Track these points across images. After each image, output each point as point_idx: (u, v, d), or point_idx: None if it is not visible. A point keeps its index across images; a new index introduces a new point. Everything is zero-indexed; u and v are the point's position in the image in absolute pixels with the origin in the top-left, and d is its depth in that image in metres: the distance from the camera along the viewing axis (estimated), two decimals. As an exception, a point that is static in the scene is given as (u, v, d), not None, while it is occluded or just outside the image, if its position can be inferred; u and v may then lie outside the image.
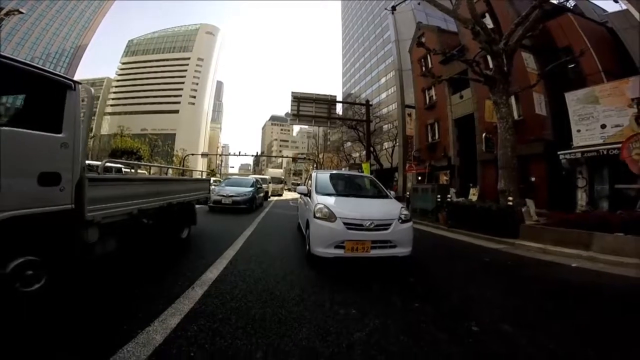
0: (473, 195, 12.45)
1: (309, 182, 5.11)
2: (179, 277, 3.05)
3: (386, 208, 3.97)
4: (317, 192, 4.33)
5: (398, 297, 2.81)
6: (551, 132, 10.70)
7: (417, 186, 11.64)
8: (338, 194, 4.44)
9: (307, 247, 3.94)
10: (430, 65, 19.35)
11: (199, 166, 66.65)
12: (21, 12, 17.17)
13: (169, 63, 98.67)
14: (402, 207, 4.01)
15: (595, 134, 9.35)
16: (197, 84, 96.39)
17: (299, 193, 5.31)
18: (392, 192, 4.95)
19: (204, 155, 62.70)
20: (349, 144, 35.50)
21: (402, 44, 31.73)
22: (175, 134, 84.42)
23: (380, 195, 4.71)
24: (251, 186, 11.34)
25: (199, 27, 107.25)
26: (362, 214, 3.66)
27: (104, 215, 2.60)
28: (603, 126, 9.32)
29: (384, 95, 45.27)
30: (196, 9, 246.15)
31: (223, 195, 9.75)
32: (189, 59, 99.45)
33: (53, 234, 2.14)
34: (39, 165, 2.03)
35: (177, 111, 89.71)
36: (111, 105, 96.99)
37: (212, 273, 3.27)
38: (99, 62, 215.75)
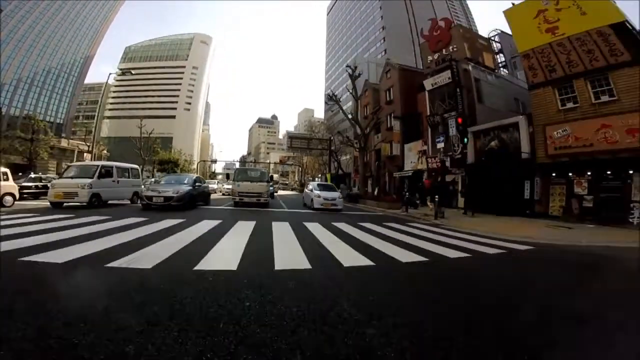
0: (375, 191, 26.54)
1: (311, 184, 17.94)
2: (274, 205, 16.80)
3: (336, 193, 16.68)
4: (315, 188, 16.79)
5: (332, 215, 16.56)
6: (402, 164, 24.81)
7: (342, 185, 25.76)
8: (322, 189, 17.16)
9: (312, 205, 14.51)
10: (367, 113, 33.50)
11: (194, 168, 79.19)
12: (131, 72, 29.43)
13: (166, 70, 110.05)
14: (339, 194, 17.10)
15: (409, 166, 23.56)
16: (192, 90, 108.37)
17: (306, 189, 18.67)
18: (340, 189, 18.80)
19: (205, 161, 74.97)
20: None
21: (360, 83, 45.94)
22: (172, 138, 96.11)
23: (335, 190, 18.03)
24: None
25: (193, 37, 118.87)
26: (328, 195, 14.67)
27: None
28: (411, 162, 23.55)
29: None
30: (187, 10, 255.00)
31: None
32: (184, 67, 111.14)
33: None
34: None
35: (173, 116, 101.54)
36: (110, 110, 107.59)
37: (283, 207, 16.92)
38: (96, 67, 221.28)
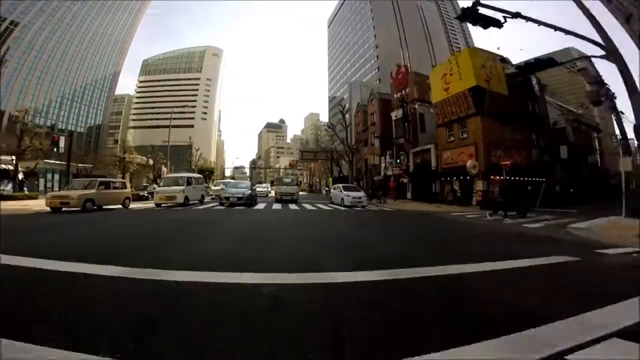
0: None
1: (338, 186, 27.60)
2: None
3: (361, 193, 20.02)
4: (342, 190, 20.35)
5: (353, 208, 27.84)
6: (380, 170, 35.85)
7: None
8: (349, 190, 20.07)
9: (343, 203, 18.67)
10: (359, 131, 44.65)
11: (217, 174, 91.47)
12: (188, 105, 41.10)
13: (182, 82, 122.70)
14: (364, 195, 20.51)
15: (383, 172, 34.69)
16: (207, 101, 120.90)
17: (333, 190, 28.80)
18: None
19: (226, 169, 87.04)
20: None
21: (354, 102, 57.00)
22: (191, 146, 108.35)
23: (359, 190, 27.94)
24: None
25: (205, 50, 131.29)
26: (355, 195, 19.09)
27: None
28: (380, 168, 34.70)
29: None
30: (196, 23, 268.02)
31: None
32: (199, 79, 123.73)
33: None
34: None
35: (192, 125, 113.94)
36: (133, 120, 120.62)
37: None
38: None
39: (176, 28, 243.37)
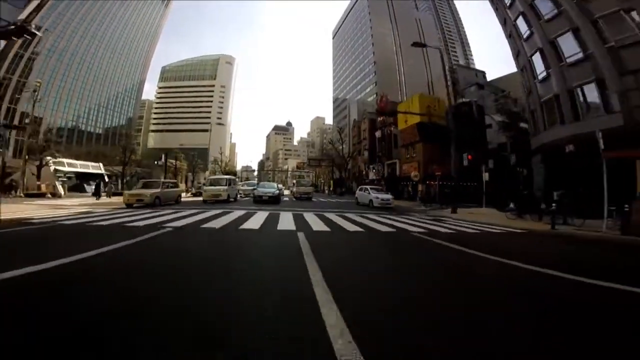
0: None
1: (366, 188, 24.29)
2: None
3: (389, 195, 21.24)
4: (370, 192, 22.05)
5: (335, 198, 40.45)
6: (367, 175, 48.32)
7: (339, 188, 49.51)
8: (377, 192, 21.86)
9: (371, 204, 20.64)
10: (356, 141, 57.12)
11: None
12: (223, 125, 54.12)
13: (198, 89, 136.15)
14: (391, 196, 21.92)
15: (371, 176, 47.21)
16: (221, 107, 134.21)
17: (359, 192, 25.51)
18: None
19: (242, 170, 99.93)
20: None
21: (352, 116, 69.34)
22: (207, 149, 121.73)
23: (387, 193, 23.58)
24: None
25: (219, 58, 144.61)
26: (384, 197, 20.62)
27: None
28: (368, 174, 47.24)
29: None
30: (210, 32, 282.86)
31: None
32: (213, 86, 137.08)
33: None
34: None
35: (207, 130, 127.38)
36: (153, 124, 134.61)
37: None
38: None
39: (190, 35, 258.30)
